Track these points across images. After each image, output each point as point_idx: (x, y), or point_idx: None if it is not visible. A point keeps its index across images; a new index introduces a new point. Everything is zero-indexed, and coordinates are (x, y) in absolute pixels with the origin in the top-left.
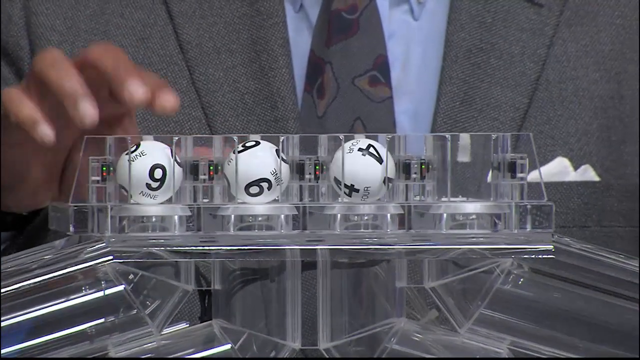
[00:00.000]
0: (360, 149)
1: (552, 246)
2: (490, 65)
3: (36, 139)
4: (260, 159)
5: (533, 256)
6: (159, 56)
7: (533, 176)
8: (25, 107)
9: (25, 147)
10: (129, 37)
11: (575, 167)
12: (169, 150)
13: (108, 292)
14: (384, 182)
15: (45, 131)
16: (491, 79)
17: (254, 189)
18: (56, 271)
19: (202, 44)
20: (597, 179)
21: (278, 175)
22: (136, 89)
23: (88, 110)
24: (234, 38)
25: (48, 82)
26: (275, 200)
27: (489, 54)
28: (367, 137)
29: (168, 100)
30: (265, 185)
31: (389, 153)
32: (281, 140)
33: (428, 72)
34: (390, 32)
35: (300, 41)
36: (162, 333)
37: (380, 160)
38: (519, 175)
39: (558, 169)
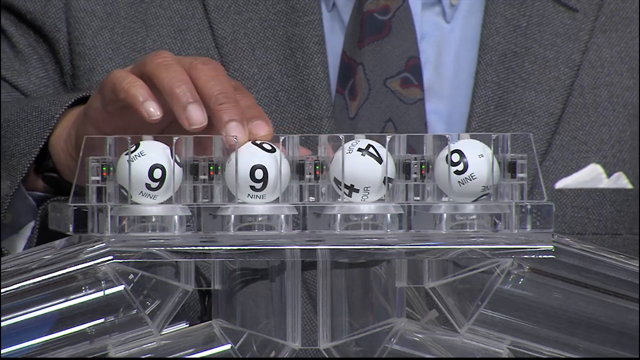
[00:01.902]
0: (360, 149)
1: (552, 246)
2: (525, 69)
3: (142, 114)
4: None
5: (533, 256)
6: (196, 49)
7: (566, 182)
8: (134, 85)
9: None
10: (167, 27)
11: (609, 175)
12: (169, 150)
13: (108, 292)
14: (384, 182)
15: (152, 107)
16: (525, 84)
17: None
18: (56, 271)
19: (237, 40)
20: (630, 186)
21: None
22: (232, 133)
23: (197, 116)
24: (269, 35)
25: (159, 83)
26: (275, 200)
27: (523, 58)
28: (366, 137)
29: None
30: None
31: (389, 153)
32: (281, 140)
33: (462, 75)
34: (422, 34)
35: (332, 40)
36: (162, 333)
37: (379, 160)
38: (519, 175)
39: (591, 175)
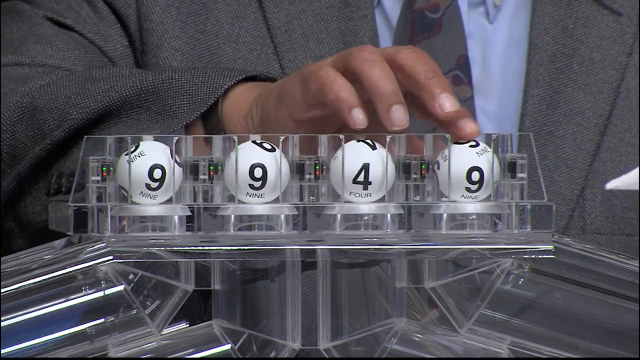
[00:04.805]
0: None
1: (552, 246)
2: (573, 70)
3: (348, 121)
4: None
5: (533, 256)
6: (253, 37)
7: (616, 184)
8: (344, 88)
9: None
10: (225, 13)
11: None
12: (169, 151)
13: (108, 292)
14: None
15: (360, 116)
16: (574, 85)
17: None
18: (56, 271)
19: (291, 31)
20: None
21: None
22: (446, 103)
23: (401, 117)
24: (322, 27)
25: (366, 80)
26: (275, 200)
27: (571, 59)
28: (366, 137)
29: (469, 127)
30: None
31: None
32: (281, 140)
33: (509, 75)
34: (468, 33)
35: (380, 37)
36: (162, 333)
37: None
38: (519, 175)
39: (638, 178)
